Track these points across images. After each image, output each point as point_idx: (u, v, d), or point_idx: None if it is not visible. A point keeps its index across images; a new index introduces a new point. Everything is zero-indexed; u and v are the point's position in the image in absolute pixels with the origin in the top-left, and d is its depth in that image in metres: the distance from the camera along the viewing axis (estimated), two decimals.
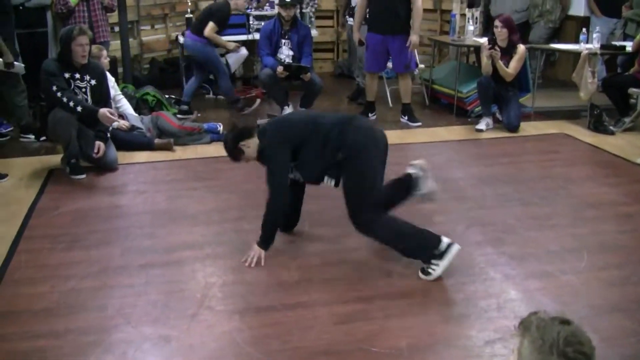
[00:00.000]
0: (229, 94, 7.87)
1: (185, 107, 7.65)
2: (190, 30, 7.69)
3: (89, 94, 5.66)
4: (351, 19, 8.20)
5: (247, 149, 4.17)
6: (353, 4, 8.06)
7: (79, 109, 5.46)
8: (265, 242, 4.14)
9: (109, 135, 5.83)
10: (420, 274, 3.89)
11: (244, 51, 7.84)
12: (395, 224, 3.98)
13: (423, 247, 3.89)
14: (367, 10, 7.16)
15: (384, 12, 6.98)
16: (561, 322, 1.79)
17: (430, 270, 3.86)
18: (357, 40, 7.33)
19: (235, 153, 4.24)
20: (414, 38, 7.06)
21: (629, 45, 7.53)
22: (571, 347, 1.73)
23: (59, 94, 5.43)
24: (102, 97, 5.74)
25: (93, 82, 5.67)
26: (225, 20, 7.64)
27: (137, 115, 6.70)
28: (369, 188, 3.96)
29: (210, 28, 7.48)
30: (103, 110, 5.46)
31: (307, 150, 4.04)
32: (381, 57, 7.24)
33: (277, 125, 4.28)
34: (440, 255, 3.83)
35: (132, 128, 6.37)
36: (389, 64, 7.54)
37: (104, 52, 6.56)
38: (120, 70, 8.20)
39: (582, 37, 7.78)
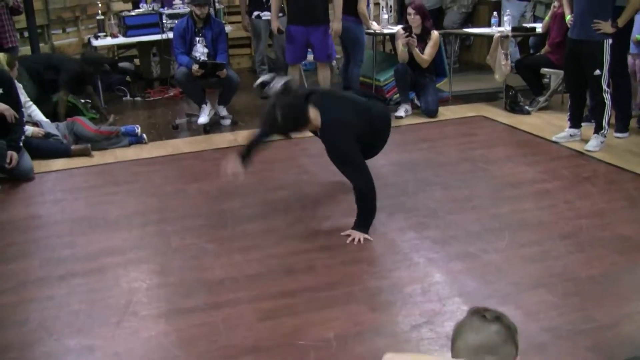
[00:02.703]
0: (354, 84, 7.92)
1: None
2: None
3: None
4: (260, 12, 8.21)
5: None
6: None
7: None
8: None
9: (21, 144, 5.67)
10: None
11: None
12: None
13: None
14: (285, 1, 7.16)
15: (304, 2, 6.98)
16: None
17: None
18: (276, 29, 7.30)
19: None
20: (336, 25, 7.09)
21: (539, 27, 7.70)
22: (490, 313, 1.89)
23: None
24: (11, 105, 5.57)
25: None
26: None
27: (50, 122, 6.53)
28: None
29: (362, 2, 7.52)
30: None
31: None
32: (302, 48, 7.26)
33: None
34: None
35: (47, 135, 6.20)
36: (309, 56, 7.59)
37: (17, 62, 6.39)
38: None
39: (493, 20, 7.93)
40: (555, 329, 3.23)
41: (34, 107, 6.47)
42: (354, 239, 4.20)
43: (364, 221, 4.28)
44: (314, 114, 4.24)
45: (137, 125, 6.64)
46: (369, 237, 4.22)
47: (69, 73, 7.10)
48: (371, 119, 4.49)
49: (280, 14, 7.53)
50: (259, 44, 8.47)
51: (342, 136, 4.24)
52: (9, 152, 5.48)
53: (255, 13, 8.33)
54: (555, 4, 7.02)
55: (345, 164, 4.30)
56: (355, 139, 4.27)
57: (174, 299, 3.64)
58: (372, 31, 8.05)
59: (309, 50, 7.39)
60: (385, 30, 8.09)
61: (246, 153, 4.53)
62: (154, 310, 3.54)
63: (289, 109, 4.17)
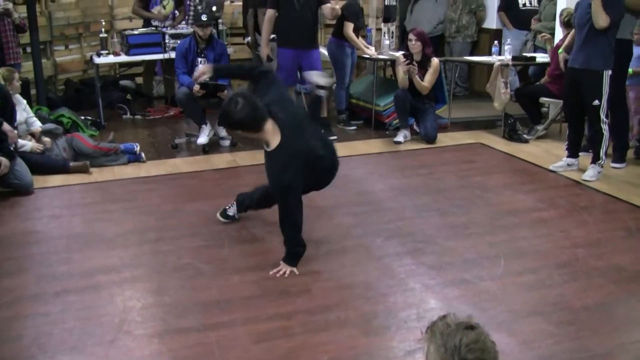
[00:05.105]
0: (337, 105, 8.14)
1: (343, 116, 8.10)
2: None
3: None
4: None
5: None
6: None
7: None
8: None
9: (12, 148, 5.70)
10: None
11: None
12: None
13: None
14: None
15: (295, 26, 7.04)
16: (466, 327, 1.80)
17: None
18: (266, 57, 7.35)
19: None
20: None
21: (539, 57, 7.76)
22: (472, 355, 1.74)
23: None
24: (5, 119, 5.65)
25: None
26: (355, 15, 7.78)
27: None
28: None
29: (347, 27, 7.68)
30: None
31: None
32: (292, 72, 7.28)
33: None
34: None
35: (45, 151, 6.23)
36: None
37: (16, 75, 6.40)
38: (33, 92, 8.00)
39: (494, 49, 7.98)
40: (550, 357, 3.24)
41: (38, 123, 6.49)
42: (283, 272, 4.13)
43: (291, 255, 4.20)
44: (271, 127, 4.01)
45: (137, 144, 6.65)
46: (295, 271, 4.14)
47: None
48: (321, 157, 4.29)
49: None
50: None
51: (293, 164, 4.00)
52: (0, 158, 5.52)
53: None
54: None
55: (282, 193, 4.07)
56: (302, 172, 4.09)
57: (169, 319, 3.63)
58: (368, 56, 8.13)
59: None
60: (382, 56, 8.14)
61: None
62: (149, 330, 3.54)
63: (251, 106, 3.94)
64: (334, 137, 7.40)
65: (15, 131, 5.87)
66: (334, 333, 3.46)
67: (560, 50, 6.33)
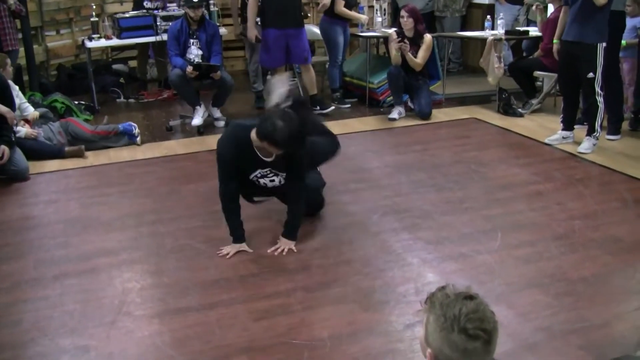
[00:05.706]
0: (331, 83, 8.12)
1: (337, 95, 8.05)
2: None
3: None
4: None
5: None
6: None
7: None
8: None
9: (13, 138, 5.67)
10: None
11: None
12: None
13: None
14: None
15: (280, 6, 7.02)
16: (465, 297, 1.80)
17: None
18: (254, 38, 7.33)
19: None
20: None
21: (532, 31, 7.74)
22: (471, 324, 1.74)
23: None
24: (5, 104, 5.61)
25: None
26: None
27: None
28: None
29: (338, 4, 7.69)
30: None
31: None
32: (279, 52, 7.24)
33: None
34: None
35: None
36: None
37: (8, 61, 6.37)
38: (26, 78, 7.97)
39: (487, 24, 7.97)
40: (548, 328, 3.25)
41: (31, 108, 6.48)
42: (282, 250, 4.14)
43: (296, 229, 4.23)
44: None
45: (135, 124, 6.62)
46: (293, 248, 4.17)
47: None
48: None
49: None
50: (254, 53, 8.33)
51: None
52: (1, 147, 5.49)
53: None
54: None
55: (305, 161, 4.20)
56: None
57: (168, 299, 3.64)
58: (361, 33, 8.12)
59: None
60: (374, 33, 8.13)
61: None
62: (148, 311, 3.55)
63: (288, 123, 3.79)
64: (332, 108, 7.46)
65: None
66: (333, 309, 3.48)
67: (555, 41, 6.33)
